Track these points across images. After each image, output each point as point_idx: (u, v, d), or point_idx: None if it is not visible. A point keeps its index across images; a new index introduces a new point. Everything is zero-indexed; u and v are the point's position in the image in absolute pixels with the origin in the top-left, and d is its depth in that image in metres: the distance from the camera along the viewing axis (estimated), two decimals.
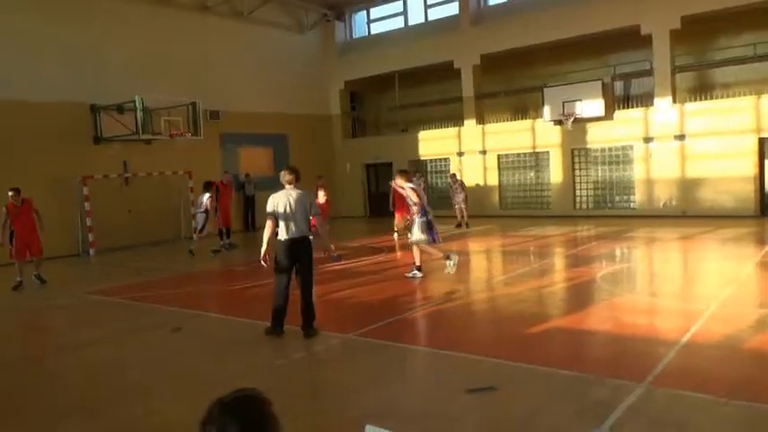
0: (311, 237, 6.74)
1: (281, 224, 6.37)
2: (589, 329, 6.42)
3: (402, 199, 15.88)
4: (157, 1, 17.81)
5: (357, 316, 7.63)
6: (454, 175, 17.93)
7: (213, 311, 8.22)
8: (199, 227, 14.32)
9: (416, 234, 9.50)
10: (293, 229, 6.37)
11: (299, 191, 6.51)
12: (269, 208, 6.42)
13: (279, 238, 6.41)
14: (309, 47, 23.25)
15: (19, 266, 10.73)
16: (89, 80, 15.98)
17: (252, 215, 20.13)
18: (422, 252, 9.63)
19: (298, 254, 6.43)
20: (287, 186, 6.53)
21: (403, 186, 9.72)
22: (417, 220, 9.49)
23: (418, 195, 9.47)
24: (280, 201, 6.39)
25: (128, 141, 16.49)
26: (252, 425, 1.57)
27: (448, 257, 9.55)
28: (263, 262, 6.47)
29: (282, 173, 6.63)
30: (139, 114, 15.50)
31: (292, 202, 6.38)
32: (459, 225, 16.90)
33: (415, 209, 9.50)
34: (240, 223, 19.95)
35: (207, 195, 13.91)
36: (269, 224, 6.40)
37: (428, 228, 9.48)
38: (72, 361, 6.38)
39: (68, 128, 15.64)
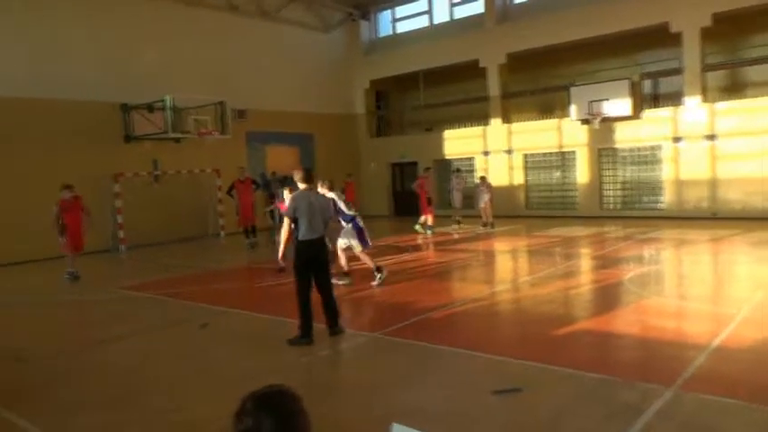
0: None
1: (302, 225, 6.33)
2: (617, 332, 6.36)
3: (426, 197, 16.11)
4: (187, 1, 18.08)
5: (382, 315, 7.68)
6: (484, 177, 17.80)
7: (240, 308, 8.33)
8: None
9: (346, 241, 9.46)
10: (313, 229, 6.34)
11: (318, 192, 6.54)
12: (288, 210, 6.41)
13: (299, 238, 6.39)
14: (335, 46, 23.37)
15: (71, 259, 11.12)
16: (120, 80, 16.30)
17: (279, 212, 20.27)
18: (343, 258, 9.48)
19: (317, 254, 6.42)
20: (302, 186, 6.53)
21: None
22: (346, 227, 9.46)
23: (339, 204, 9.42)
24: (300, 201, 6.40)
25: (157, 140, 16.80)
26: (285, 419, 1.61)
27: (379, 270, 9.31)
28: (280, 262, 6.49)
29: (295, 173, 6.63)
30: (169, 113, 15.78)
31: (314, 204, 6.39)
32: (484, 225, 16.84)
33: (341, 216, 9.45)
34: (266, 221, 20.12)
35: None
36: (286, 225, 6.39)
37: (358, 234, 9.44)
38: (102, 355, 6.54)
39: (100, 126, 16.00)
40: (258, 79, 19.92)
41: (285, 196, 10.60)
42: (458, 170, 18.62)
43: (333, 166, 20.98)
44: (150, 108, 16.40)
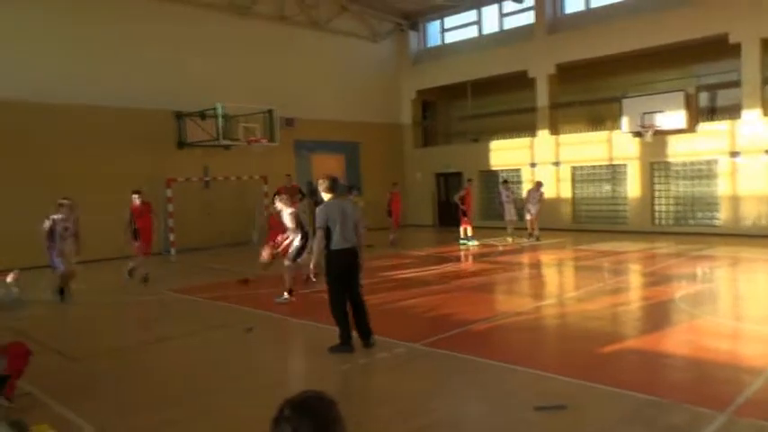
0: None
1: (337, 234, 6.29)
2: (666, 352, 6.15)
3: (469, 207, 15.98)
4: (238, 12, 18.57)
5: (423, 325, 7.64)
6: (540, 183, 17.16)
7: (283, 314, 8.44)
8: None
9: (290, 257, 9.44)
10: (346, 238, 6.31)
11: (349, 203, 6.50)
12: (320, 220, 6.31)
13: (332, 248, 6.31)
14: (383, 56, 23.55)
15: (141, 262, 11.57)
16: (175, 88, 16.86)
17: None
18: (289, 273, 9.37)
19: (350, 264, 6.39)
20: (328, 196, 6.51)
21: (281, 210, 9.66)
22: (295, 244, 9.45)
23: (296, 221, 9.48)
24: (333, 210, 6.35)
25: (208, 147, 17.25)
26: (324, 424, 1.62)
27: (290, 292, 9.17)
28: (312, 277, 6.46)
29: (320, 182, 6.62)
30: (220, 121, 16.21)
31: (346, 213, 6.37)
32: (530, 235, 16.57)
33: (292, 233, 9.51)
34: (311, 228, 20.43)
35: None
36: (320, 235, 6.30)
37: (298, 253, 9.43)
38: (150, 356, 6.74)
39: (155, 133, 16.58)
40: (306, 88, 20.24)
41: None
42: (505, 181, 18.16)
43: (378, 175, 21.12)
44: (202, 116, 16.87)
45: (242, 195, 18.37)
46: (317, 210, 6.41)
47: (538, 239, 16.35)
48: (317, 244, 6.38)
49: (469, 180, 18.22)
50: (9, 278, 5.09)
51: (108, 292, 10.92)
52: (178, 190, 16.77)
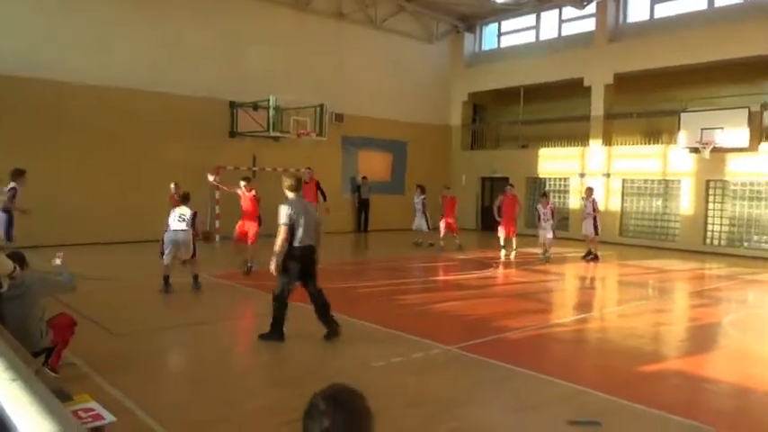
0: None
1: (301, 231, 6.42)
2: (710, 376, 5.92)
3: (511, 209, 15.15)
4: (297, 7, 18.80)
5: (459, 329, 7.58)
6: (591, 189, 15.14)
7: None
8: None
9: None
10: (307, 236, 6.47)
11: (309, 203, 6.67)
12: (285, 217, 6.37)
13: (296, 244, 6.44)
14: (437, 57, 23.44)
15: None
16: (230, 78, 17.20)
17: (365, 217, 20.61)
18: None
19: (311, 260, 6.58)
20: (291, 195, 6.59)
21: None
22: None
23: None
24: (297, 207, 6.46)
25: (258, 137, 17.55)
26: (357, 417, 1.63)
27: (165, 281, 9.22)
28: (272, 270, 6.43)
29: (285, 179, 6.72)
30: (272, 113, 16.46)
31: (309, 211, 6.57)
32: (588, 255, 14.52)
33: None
34: (353, 224, 20.58)
35: None
36: (284, 231, 6.36)
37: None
38: (185, 337, 6.93)
39: (209, 121, 16.95)
40: (358, 85, 20.34)
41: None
42: (544, 194, 15.03)
43: (424, 174, 21.01)
44: (255, 106, 17.15)
45: None
46: (282, 207, 6.49)
47: (596, 259, 14.42)
48: (280, 239, 6.40)
49: (511, 185, 16.52)
50: (57, 260, 5.19)
51: (153, 274, 11.22)
52: (226, 177, 17.05)
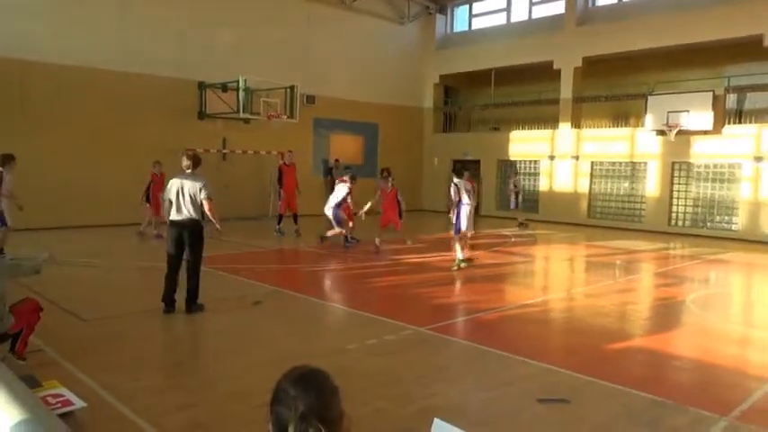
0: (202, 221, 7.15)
1: (173, 207, 6.91)
2: (673, 353, 6.12)
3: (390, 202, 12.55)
4: None
5: (431, 310, 7.67)
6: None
7: (292, 289, 8.50)
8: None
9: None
10: (183, 211, 6.88)
11: (194, 178, 6.98)
12: (165, 192, 7.05)
13: (169, 218, 6.97)
14: (408, 38, 23.34)
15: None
16: (199, 59, 16.87)
17: None
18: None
19: (185, 236, 6.92)
20: (186, 172, 7.03)
21: None
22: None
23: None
24: (173, 185, 6.93)
25: (228, 119, 17.29)
26: (327, 395, 1.62)
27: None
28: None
29: (183, 158, 7.17)
30: (241, 94, 16.21)
31: (184, 188, 6.90)
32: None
33: None
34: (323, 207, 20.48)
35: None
36: (167, 207, 6.99)
37: None
38: (160, 322, 6.83)
39: (177, 102, 16.64)
40: (329, 66, 20.15)
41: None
42: (515, 173, 19.29)
43: (395, 157, 21.04)
44: (224, 88, 16.88)
45: (259, 170, 18.43)
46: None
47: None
48: (166, 214, 7.05)
49: (387, 173, 13.36)
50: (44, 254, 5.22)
51: (125, 257, 11.06)
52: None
